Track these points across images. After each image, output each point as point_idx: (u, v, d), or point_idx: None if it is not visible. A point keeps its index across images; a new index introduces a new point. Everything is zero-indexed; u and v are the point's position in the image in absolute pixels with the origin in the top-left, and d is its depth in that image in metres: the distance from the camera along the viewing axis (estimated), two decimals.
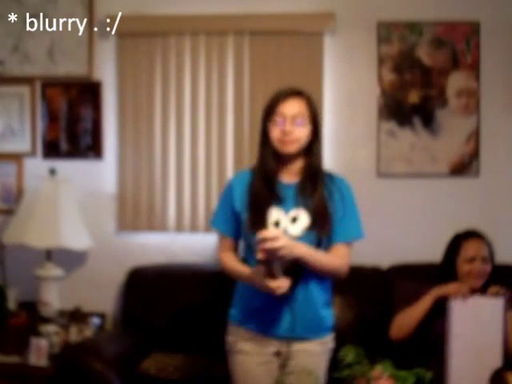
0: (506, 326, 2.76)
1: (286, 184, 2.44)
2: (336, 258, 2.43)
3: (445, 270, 3.04)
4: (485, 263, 2.97)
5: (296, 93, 2.46)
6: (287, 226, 2.41)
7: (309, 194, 2.43)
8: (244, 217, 2.44)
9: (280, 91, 2.47)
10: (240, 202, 2.47)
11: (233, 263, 2.51)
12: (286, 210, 2.42)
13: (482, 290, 2.95)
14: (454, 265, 3.01)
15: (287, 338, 2.45)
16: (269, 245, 2.18)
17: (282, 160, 2.45)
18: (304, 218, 2.41)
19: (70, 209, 3.55)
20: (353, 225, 2.47)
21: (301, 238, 2.39)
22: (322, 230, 2.40)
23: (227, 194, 2.53)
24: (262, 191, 2.43)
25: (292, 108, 2.41)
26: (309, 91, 2.52)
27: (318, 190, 2.43)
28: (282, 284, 2.28)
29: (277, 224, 2.40)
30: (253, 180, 2.46)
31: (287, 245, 2.23)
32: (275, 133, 2.42)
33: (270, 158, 2.44)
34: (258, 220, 2.39)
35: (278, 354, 2.47)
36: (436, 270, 3.18)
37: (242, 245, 2.57)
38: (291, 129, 2.39)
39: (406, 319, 2.96)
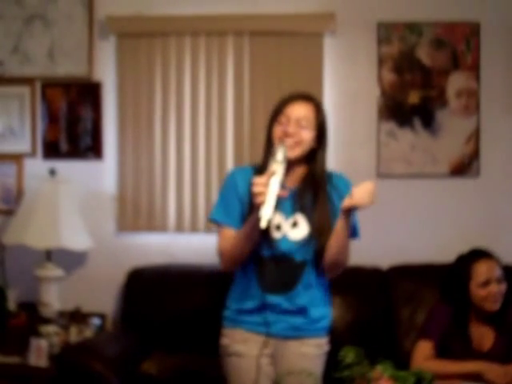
0: None
1: (287, 188, 2.37)
2: None
3: (458, 297, 2.92)
4: (500, 283, 2.88)
5: (305, 97, 2.44)
6: (288, 230, 2.41)
7: (308, 201, 2.41)
8: (246, 212, 2.40)
9: (290, 94, 2.45)
10: (244, 194, 2.41)
11: (231, 236, 2.40)
12: (286, 215, 2.42)
13: (500, 311, 2.89)
14: (467, 291, 2.89)
15: (282, 338, 2.45)
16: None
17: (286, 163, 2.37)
18: (303, 225, 2.41)
19: (70, 209, 3.55)
20: (353, 223, 2.43)
21: (301, 245, 2.40)
22: (322, 240, 2.39)
23: (231, 184, 2.47)
24: None
25: (298, 111, 2.39)
26: (309, 92, 2.52)
27: (320, 201, 2.40)
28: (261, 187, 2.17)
29: (278, 228, 2.40)
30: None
31: None
32: (277, 132, 2.39)
33: None
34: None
35: (272, 355, 2.46)
36: (435, 271, 3.17)
37: None
38: (295, 131, 2.36)
39: (441, 369, 2.77)
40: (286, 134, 2.36)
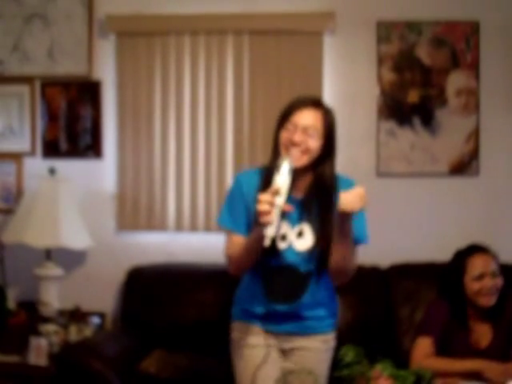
0: None
1: (293, 198, 2.33)
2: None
3: (453, 292, 2.91)
4: (495, 278, 2.87)
5: (314, 103, 2.36)
6: (293, 240, 2.39)
7: (314, 210, 2.38)
8: (252, 218, 2.34)
9: (298, 98, 2.38)
10: (250, 200, 2.36)
11: (238, 245, 2.36)
12: (292, 224, 2.39)
13: (498, 307, 2.88)
14: (461, 285, 2.89)
15: (289, 335, 2.46)
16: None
17: (292, 174, 2.27)
18: (308, 235, 2.39)
19: (70, 208, 3.55)
20: (358, 228, 2.35)
21: (306, 255, 2.39)
22: (325, 250, 2.35)
23: (237, 189, 2.43)
24: None
25: (306, 119, 2.32)
26: (308, 91, 2.49)
27: (326, 211, 2.35)
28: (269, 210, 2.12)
29: (284, 237, 2.38)
30: (261, 188, 2.32)
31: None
32: (284, 139, 2.33)
33: None
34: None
35: (281, 349, 2.48)
36: (435, 270, 3.16)
37: None
38: (301, 139, 2.30)
39: (440, 367, 2.76)
40: (292, 143, 2.30)
